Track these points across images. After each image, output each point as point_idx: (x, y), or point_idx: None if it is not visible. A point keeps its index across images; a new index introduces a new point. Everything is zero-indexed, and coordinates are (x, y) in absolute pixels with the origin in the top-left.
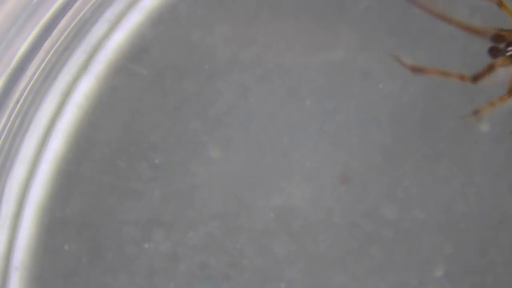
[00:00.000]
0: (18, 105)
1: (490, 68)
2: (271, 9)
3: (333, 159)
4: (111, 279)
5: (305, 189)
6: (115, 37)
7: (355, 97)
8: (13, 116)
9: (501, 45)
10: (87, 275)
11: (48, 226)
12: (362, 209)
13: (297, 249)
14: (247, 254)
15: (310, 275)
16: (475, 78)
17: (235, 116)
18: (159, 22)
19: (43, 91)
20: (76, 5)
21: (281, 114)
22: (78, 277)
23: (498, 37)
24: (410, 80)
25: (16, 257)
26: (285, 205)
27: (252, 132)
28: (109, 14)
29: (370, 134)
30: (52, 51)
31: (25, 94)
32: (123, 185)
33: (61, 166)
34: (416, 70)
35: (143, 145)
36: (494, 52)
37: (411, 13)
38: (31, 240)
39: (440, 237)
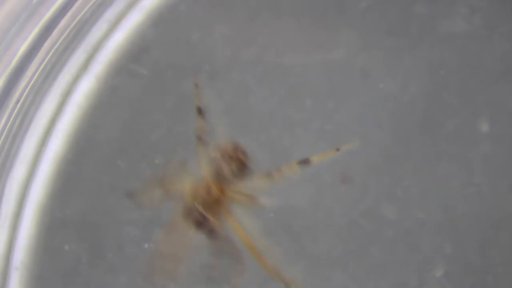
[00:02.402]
0: (18, 105)
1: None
2: (271, 9)
3: (333, 159)
4: (111, 279)
5: (305, 189)
6: (115, 37)
7: (355, 97)
8: (13, 116)
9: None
10: (87, 275)
11: (48, 226)
12: (362, 209)
13: (297, 249)
14: (247, 254)
15: (310, 275)
16: None
17: (235, 116)
18: (159, 22)
19: (43, 91)
20: (76, 5)
21: (281, 114)
22: (78, 277)
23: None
24: (410, 80)
25: (16, 257)
26: (285, 205)
27: (252, 132)
28: (109, 14)
29: (370, 134)
30: (52, 51)
31: (25, 94)
32: (123, 185)
33: (61, 166)
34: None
35: (143, 145)
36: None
37: (411, 13)
38: (31, 240)
39: (440, 237)
